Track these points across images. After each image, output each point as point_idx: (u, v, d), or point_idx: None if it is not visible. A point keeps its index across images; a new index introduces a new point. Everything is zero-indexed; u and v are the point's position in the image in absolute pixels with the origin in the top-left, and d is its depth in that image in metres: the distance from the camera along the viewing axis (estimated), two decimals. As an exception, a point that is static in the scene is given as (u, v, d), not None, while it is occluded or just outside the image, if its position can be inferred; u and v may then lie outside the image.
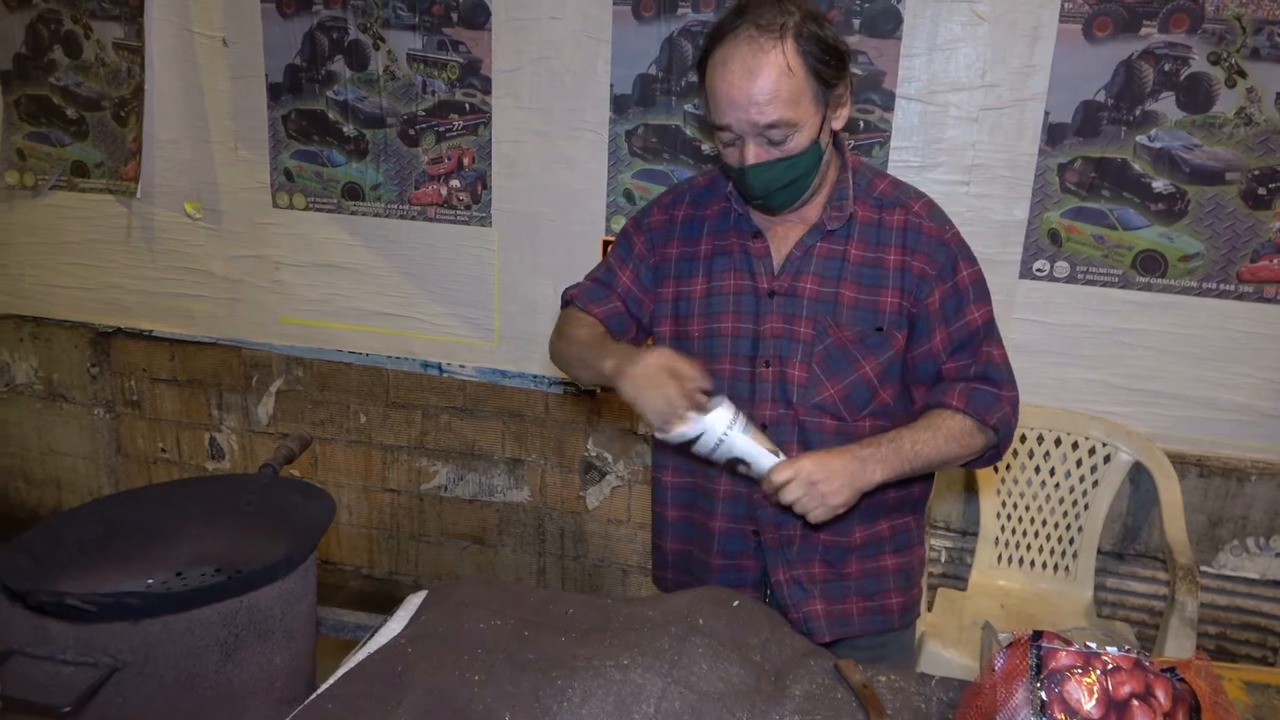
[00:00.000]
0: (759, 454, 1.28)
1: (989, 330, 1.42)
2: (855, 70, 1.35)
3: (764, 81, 1.26)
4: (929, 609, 2.16)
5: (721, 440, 1.26)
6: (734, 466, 1.32)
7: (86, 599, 1.05)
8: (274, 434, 3.03)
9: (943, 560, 2.43)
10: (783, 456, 1.29)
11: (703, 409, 1.26)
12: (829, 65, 1.29)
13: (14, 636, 1.08)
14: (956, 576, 2.40)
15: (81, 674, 1.04)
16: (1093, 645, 0.88)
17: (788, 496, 1.26)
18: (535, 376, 2.74)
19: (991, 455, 1.46)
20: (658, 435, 1.30)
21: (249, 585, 1.12)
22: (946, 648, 1.99)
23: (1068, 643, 0.88)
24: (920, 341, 1.41)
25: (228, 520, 1.40)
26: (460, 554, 2.96)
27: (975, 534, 2.36)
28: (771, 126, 1.28)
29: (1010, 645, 0.92)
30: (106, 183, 2.98)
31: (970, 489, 2.39)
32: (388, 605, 2.72)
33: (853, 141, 2.30)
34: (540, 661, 1.25)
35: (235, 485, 1.45)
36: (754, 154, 1.31)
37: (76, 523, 1.32)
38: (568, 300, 1.58)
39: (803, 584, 1.47)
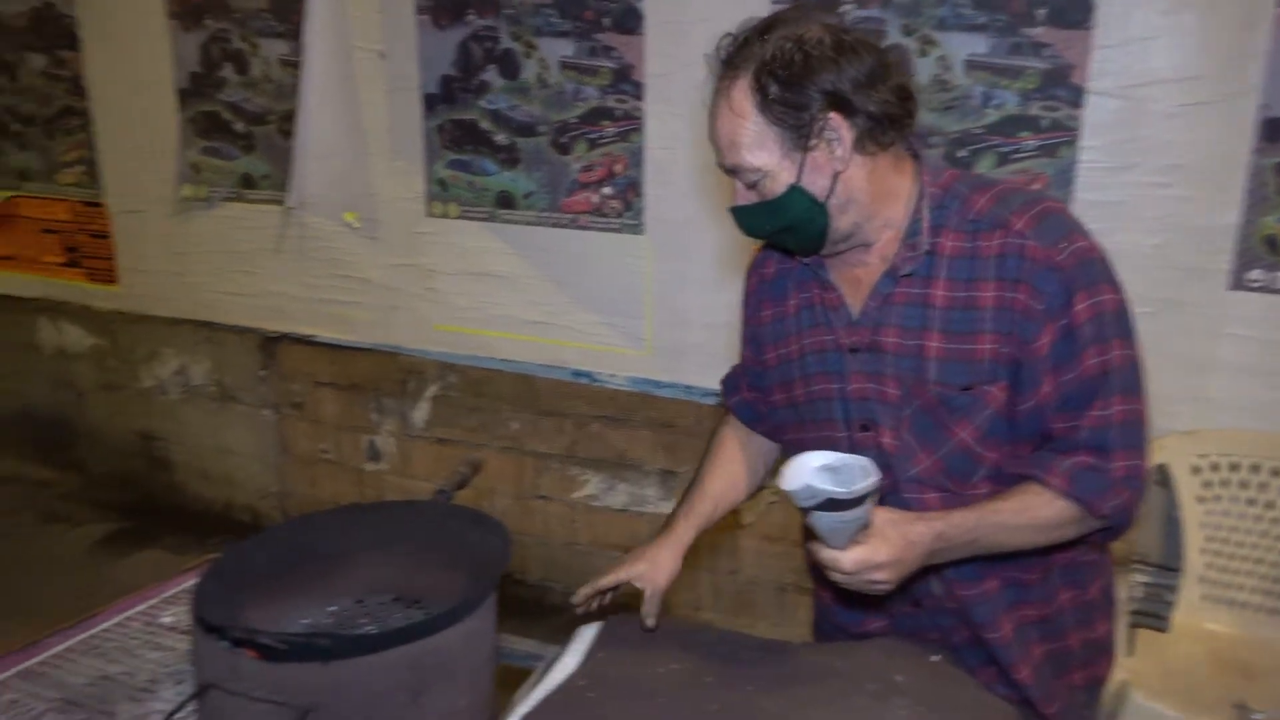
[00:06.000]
0: (830, 538, 1.08)
1: (1110, 380, 1.13)
2: (883, 99, 1.13)
3: (720, 124, 1.17)
4: (1129, 653, 1.97)
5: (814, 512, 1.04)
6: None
7: (279, 638, 1.05)
8: (429, 438, 3.08)
9: (1140, 597, 2.22)
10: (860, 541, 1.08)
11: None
12: (792, 109, 1.11)
13: (210, 668, 1.09)
14: (1156, 615, 2.19)
15: (275, 713, 1.03)
16: None
17: (841, 582, 1.11)
18: (688, 387, 2.67)
19: (1104, 537, 1.23)
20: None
21: (438, 626, 1.10)
22: (1152, 699, 1.80)
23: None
24: (1027, 394, 1.16)
25: (403, 548, 1.39)
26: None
27: (1177, 569, 2.14)
28: (733, 171, 1.19)
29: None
30: (272, 194, 3.09)
31: (1171, 518, 2.18)
32: (539, 613, 2.73)
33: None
34: (726, 715, 1.18)
35: (409, 512, 1.44)
36: (740, 194, 1.21)
37: (262, 547, 1.33)
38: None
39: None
